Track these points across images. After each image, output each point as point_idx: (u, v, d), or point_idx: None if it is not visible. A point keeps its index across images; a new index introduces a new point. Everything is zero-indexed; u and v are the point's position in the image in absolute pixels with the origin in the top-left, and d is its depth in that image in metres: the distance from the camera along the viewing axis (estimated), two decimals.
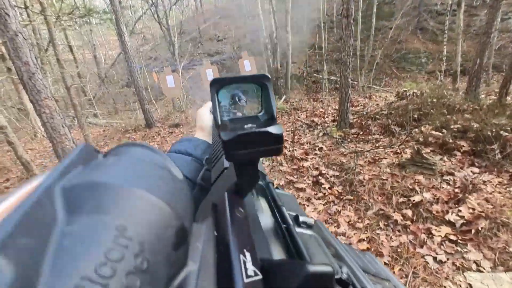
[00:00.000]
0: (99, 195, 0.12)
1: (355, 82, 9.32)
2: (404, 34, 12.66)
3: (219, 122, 0.21)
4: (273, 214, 0.27)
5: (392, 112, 4.17)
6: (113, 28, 13.67)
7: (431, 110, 3.85)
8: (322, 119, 5.09)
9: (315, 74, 11.21)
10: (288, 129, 4.78)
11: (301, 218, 0.28)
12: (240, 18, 16.02)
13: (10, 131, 3.78)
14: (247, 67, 5.19)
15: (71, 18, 5.81)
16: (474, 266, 1.70)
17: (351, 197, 2.54)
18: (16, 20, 2.80)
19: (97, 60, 13.53)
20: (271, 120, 0.22)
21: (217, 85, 0.23)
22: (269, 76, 0.24)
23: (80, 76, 10.20)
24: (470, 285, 1.59)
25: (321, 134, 4.17)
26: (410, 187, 2.46)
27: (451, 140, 3.07)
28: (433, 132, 3.27)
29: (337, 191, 2.67)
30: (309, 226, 0.27)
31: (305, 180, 2.97)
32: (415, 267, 1.75)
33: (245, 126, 0.20)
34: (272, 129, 0.19)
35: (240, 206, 0.22)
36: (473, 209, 2.06)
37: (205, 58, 12.80)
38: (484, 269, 1.67)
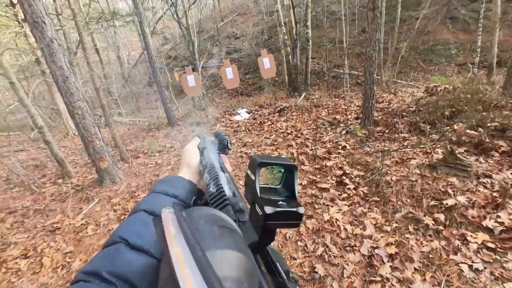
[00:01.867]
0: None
1: (378, 77, 8.93)
2: (432, 25, 11.91)
3: (259, 195, 0.27)
4: (267, 268, 0.29)
5: (421, 109, 3.95)
6: (135, 30, 14.15)
7: (465, 107, 3.60)
8: (345, 116, 4.94)
9: (335, 69, 10.90)
10: (309, 127, 4.71)
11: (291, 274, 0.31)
12: (257, 15, 15.90)
13: (46, 131, 4.06)
14: (266, 64, 5.16)
15: (98, 22, 6.08)
16: None
17: (378, 199, 2.45)
18: (52, 27, 2.98)
19: (120, 61, 14.09)
20: (294, 199, 0.30)
21: (261, 165, 0.29)
22: (297, 166, 0.31)
23: (106, 77, 10.70)
24: None
25: (344, 132, 4.06)
26: (443, 189, 2.32)
27: (488, 140, 2.86)
28: (468, 130, 3.06)
29: (363, 192, 2.59)
30: (296, 281, 0.30)
31: (328, 180, 2.91)
32: (448, 275, 1.67)
33: (279, 203, 0.27)
34: (300, 209, 0.27)
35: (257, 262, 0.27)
36: None
37: (224, 56, 12.88)
38: None
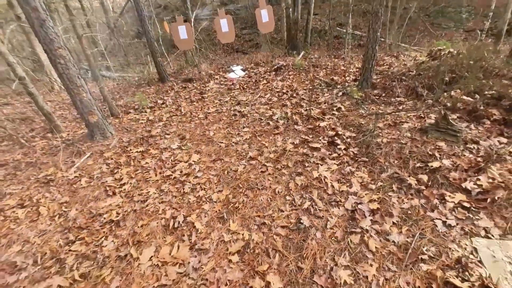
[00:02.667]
0: None
1: (382, 39, 8.49)
2: None
3: None
4: None
5: (421, 73, 3.83)
6: None
7: (466, 73, 3.51)
8: (343, 78, 4.79)
9: (338, 28, 10.25)
10: (305, 88, 4.58)
11: None
12: None
13: (28, 82, 3.83)
14: (264, 17, 4.78)
15: None
16: (483, 233, 1.72)
17: (366, 159, 2.52)
18: None
19: (104, 8, 12.81)
20: None
21: None
22: None
23: (89, 25, 9.83)
24: (475, 249, 1.63)
25: (340, 93, 3.98)
26: (430, 153, 2.38)
27: (482, 107, 2.85)
28: (464, 97, 3.03)
29: (353, 152, 2.64)
30: None
31: (320, 140, 2.93)
32: (423, 229, 1.80)
33: None
34: None
35: None
36: (493, 179, 2.00)
37: (218, 6, 11.83)
38: (493, 236, 1.69)
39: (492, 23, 8.54)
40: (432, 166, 2.22)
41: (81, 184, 2.88)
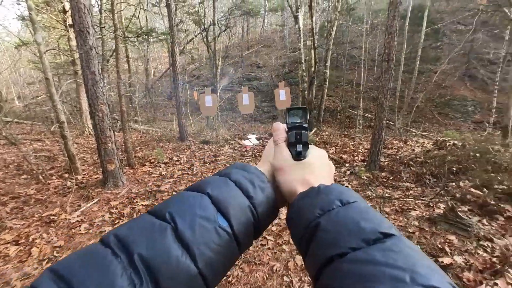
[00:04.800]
0: None
1: (392, 123, 9.03)
2: (450, 80, 12.20)
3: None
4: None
5: (428, 160, 3.94)
6: (166, 46, 15.23)
7: (473, 165, 3.57)
8: (352, 157, 4.97)
9: (349, 109, 11.12)
10: None
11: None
12: (281, 49, 16.84)
13: (66, 127, 4.30)
14: (282, 96, 5.39)
15: (135, 37, 6.65)
16: None
17: None
18: (93, 37, 3.32)
19: (147, 72, 15.02)
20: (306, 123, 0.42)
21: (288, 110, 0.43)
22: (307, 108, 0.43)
23: (131, 85, 11.36)
24: None
25: (348, 172, 4.07)
26: (440, 246, 2.25)
27: (493, 202, 2.80)
28: (472, 189, 3.01)
29: None
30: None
31: None
32: None
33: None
34: (304, 124, 0.41)
35: None
36: None
37: (243, 82, 13.48)
38: None
39: (498, 117, 8.99)
40: (443, 262, 2.07)
41: (80, 230, 2.86)
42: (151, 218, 0.29)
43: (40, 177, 4.22)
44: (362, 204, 0.31)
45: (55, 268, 0.24)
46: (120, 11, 7.40)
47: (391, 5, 3.63)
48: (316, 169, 0.38)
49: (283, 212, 3.05)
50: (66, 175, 4.51)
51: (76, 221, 3.05)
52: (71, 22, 7.79)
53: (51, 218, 3.10)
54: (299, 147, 0.39)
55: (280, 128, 0.43)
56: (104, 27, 5.93)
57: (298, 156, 0.38)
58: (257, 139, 6.73)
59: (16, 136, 5.98)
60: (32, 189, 3.93)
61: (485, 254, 2.15)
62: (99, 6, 7.84)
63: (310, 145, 0.41)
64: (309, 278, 2.06)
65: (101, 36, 7.66)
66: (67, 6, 7.60)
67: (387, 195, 3.13)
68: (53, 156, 5.71)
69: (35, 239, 2.70)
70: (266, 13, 21.23)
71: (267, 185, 0.36)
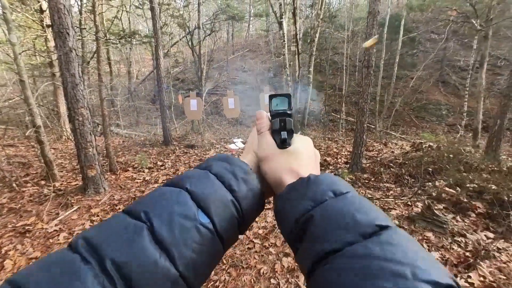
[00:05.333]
0: None
1: (372, 126, 9.38)
2: (425, 85, 12.87)
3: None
4: None
5: (407, 162, 4.14)
6: (149, 49, 14.95)
7: (447, 166, 3.80)
8: (335, 159, 5.11)
9: (332, 113, 11.44)
10: None
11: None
12: (266, 54, 17.06)
13: (42, 131, 4.10)
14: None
15: (118, 39, 6.49)
16: None
17: None
18: (74, 39, 3.22)
19: (130, 75, 14.64)
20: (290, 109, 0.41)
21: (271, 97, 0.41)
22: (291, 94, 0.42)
23: (113, 88, 11.02)
24: None
25: (332, 174, 4.17)
26: (418, 243, 2.37)
27: (465, 200, 2.99)
28: (447, 188, 3.20)
29: None
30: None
31: None
32: None
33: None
34: (288, 111, 0.40)
35: None
36: (484, 277, 1.95)
37: (229, 86, 13.48)
38: None
39: (470, 120, 9.62)
40: None
41: (58, 240, 2.73)
42: (125, 218, 0.27)
43: (14, 184, 3.98)
44: (355, 195, 0.29)
45: (13, 279, 0.21)
46: (102, 12, 7.20)
47: (370, 15, 3.81)
48: (303, 157, 0.36)
49: (269, 215, 3.08)
50: (43, 182, 4.29)
51: (54, 230, 2.91)
52: (48, 22, 7.48)
53: (26, 228, 2.93)
54: (284, 135, 0.37)
55: (263, 116, 0.41)
56: (85, 28, 5.74)
57: (283, 144, 0.37)
58: (243, 142, 6.75)
59: None
60: (4, 198, 3.70)
61: (459, 249, 2.29)
62: (79, 7, 7.59)
63: (294, 133, 0.39)
64: (296, 280, 2.10)
65: (81, 38, 7.41)
66: (44, 6, 7.30)
67: (369, 195, 3.24)
68: (28, 162, 5.40)
69: (8, 251, 2.54)
70: (251, 18, 21.47)
71: (251, 177, 0.34)
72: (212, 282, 2.12)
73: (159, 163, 5.30)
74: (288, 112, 0.40)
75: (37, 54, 8.98)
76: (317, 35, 8.45)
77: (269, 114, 0.41)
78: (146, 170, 4.88)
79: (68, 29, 3.16)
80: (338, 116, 10.12)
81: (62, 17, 3.12)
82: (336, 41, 14.40)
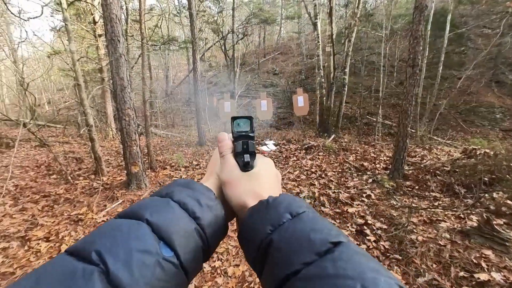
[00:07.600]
0: None
1: (413, 130, 8.71)
2: (476, 86, 11.64)
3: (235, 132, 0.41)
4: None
5: (457, 170, 3.75)
6: (185, 54, 15.73)
7: (507, 176, 3.36)
8: (373, 164, 4.83)
9: (368, 116, 10.87)
10: (334, 170, 4.66)
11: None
12: (298, 56, 16.88)
13: (94, 130, 4.52)
14: (300, 103, 5.36)
15: (159, 45, 6.93)
16: None
17: (400, 257, 2.29)
18: (123, 45, 3.50)
19: (167, 79, 15.55)
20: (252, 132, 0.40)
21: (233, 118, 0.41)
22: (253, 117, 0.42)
23: (152, 92, 11.80)
24: None
25: (370, 180, 3.95)
26: (475, 261, 2.12)
27: None
28: (508, 201, 2.83)
29: (384, 246, 2.45)
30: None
31: (348, 227, 2.80)
32: None
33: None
34: (251, 134, 0.40)
35: None
36: None
37: (261, 89, 13.59)
38: None
39: None
40: (479, 278, 1.94)
41: None
42: (71, 261, 0.22)
43: (69, 177, 4.44)
44: (310, 214, 0.29)
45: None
46: (146, 21, 7.78)
47: (416, 10, 3.55)
48: (265, 179, 0.37)
49: (234, 238, 2.87)
50: (93, 176, 4.72)
51: (102, 220, 3.17)
52: (99, 32, 8.30)
53: (79, 216, 3.24)
54: (247, 157, 0.37)
55: (225, 138, 0.41)
56: (132, 35, 6.23)
57: (246, 167, 0.37)
58: (275, 144, 6.73)
59: (47, 139, 6.36)
60: (61, 189, 4.14)
61: None
62: (125, 17, 8.29)
63: (256, 155, 0.40)
64: None
65: (127, 45, 8.08)
66: (97, 17, 8.10)
67: (414, 205, 3.00)
68: (81, 158, 5.99)
69: (65, 237, 2.83)
70: (283, 21, 21.45)
71: (215, 202, 0.33)
72: (247, 284, 2.12)
73: (195, 162, 5.51)
74: (251, 134, 0.40)
75: (89, 61, 9.98)
76: (354, 34, 8.13)
77: (231, 135, 0.42)
78: (183, 169, 5.11)
79: (119, 36, 3.45)
80: (374, 119, 9.59)
81: (114, 25, 3.42)
82: (372, 40, 13.71)
